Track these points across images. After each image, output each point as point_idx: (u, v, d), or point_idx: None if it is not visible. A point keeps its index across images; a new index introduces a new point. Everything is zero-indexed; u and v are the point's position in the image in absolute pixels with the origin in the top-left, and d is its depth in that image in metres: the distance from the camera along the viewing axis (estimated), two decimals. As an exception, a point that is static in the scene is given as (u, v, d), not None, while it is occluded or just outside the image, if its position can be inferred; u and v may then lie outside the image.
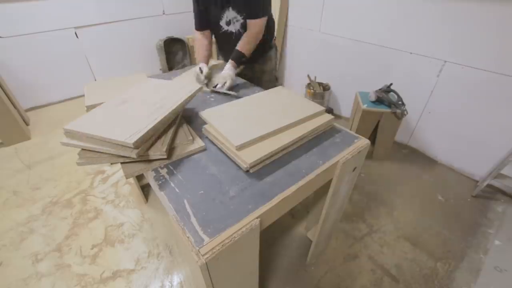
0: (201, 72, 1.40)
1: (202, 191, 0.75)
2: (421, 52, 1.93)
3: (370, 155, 2.15)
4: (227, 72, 1.36)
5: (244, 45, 1.40)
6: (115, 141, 0.78)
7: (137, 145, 0.77)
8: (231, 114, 0.99)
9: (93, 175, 2.01)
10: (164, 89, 1.08)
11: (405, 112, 1.86)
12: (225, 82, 1.33)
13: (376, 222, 1.63)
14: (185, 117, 1.08)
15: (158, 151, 0.83)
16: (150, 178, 0.83)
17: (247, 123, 0.94)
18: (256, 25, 1.37)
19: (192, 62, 3.72)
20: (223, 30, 1.46)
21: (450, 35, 1.75)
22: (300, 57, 2.95)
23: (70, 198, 1.81)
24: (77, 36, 2.88)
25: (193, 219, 0.67)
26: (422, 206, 1.75)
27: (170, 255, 1.46)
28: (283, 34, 2.95)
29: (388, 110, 1.88)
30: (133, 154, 0.77)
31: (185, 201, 0.72)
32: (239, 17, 1.39)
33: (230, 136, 0.85)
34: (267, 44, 1.59)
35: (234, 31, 1.45)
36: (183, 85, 1.10)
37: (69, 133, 0.85)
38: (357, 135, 1.00)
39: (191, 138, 0.92)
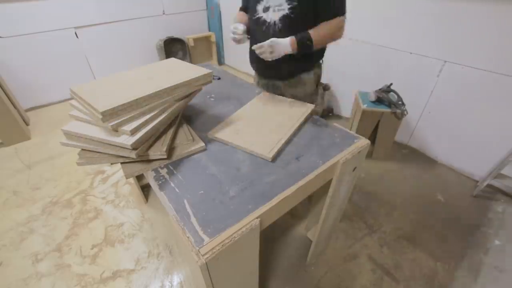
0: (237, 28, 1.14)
1: (202, 191, 0.75)
2: (421, 52, 1.93)
3: (370, 155, 2.15)
4: (277, 39, 1.03)
5: (317, 30, 1.05)
6: (114, 143, 0.78)
7: (135, 146, 0.77)
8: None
9: (93, 175, 2.01)
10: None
11: (405, 112, 1.86)
12: (262, 46, 1.03)
13: (376, 222, 1.63)
14: (185, 117, 1.08)
15: (158, 151, 0.83)
16: (150, 178, 0.83)
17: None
18: (339, 21, 1.05)
19: (192, 62, 3.71)
20: (257, 16, 1.14)
21: (450, 35, 1.75)
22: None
23: (70, 198, 1.81)
24: (77, 36, 2.88)
25: (193, 219, 0.67)
26: (422, 206, 1.75)
27: (170, 255, 1.46)
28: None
29: (388, 110, 1.88)
30: (133, 155, 0.77)
31: (185, 201, 0.72)
32: (285, 6, 1.05)
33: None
34: (309, 61, 1.23)
35: (269, 21, 1.11)
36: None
37: (68, 134, 0.85)
38: (357, 135, 1.00)
39: (191, 138, 0.92)
